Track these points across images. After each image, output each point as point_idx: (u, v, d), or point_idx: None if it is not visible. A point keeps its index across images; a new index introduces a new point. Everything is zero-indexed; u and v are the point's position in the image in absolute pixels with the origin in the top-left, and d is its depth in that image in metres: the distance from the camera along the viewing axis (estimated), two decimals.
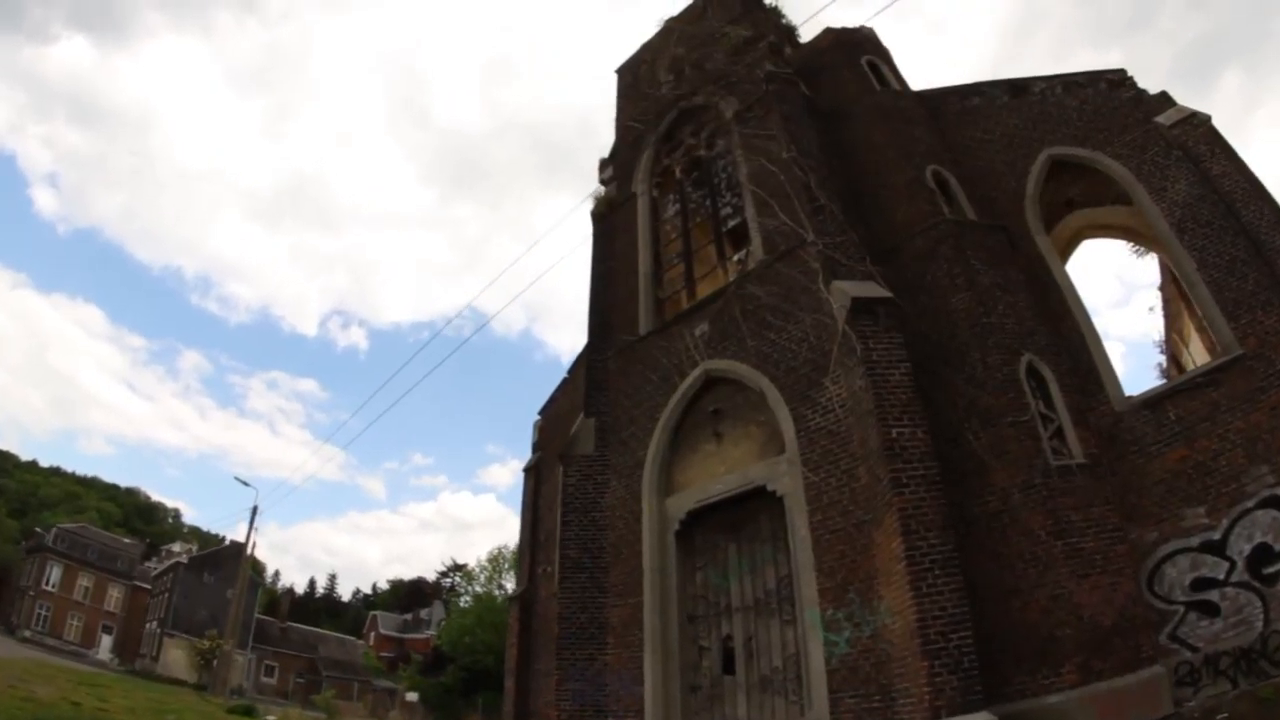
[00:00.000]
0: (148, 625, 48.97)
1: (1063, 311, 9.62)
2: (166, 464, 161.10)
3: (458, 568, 49.64)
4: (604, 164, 15.26)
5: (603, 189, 14.84)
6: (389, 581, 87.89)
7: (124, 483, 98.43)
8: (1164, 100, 10.14)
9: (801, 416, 9.00)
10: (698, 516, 10.07)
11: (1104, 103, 10.55)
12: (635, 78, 15.64)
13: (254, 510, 31.44)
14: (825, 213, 10.02)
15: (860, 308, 8.51)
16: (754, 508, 9.47)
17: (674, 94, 14.06)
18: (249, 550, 32.35)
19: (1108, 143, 10.27)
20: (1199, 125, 9.60)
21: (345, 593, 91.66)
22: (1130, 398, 8.91)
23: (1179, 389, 8.57)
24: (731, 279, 11.17)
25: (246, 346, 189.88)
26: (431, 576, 67.36)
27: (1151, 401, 8.65)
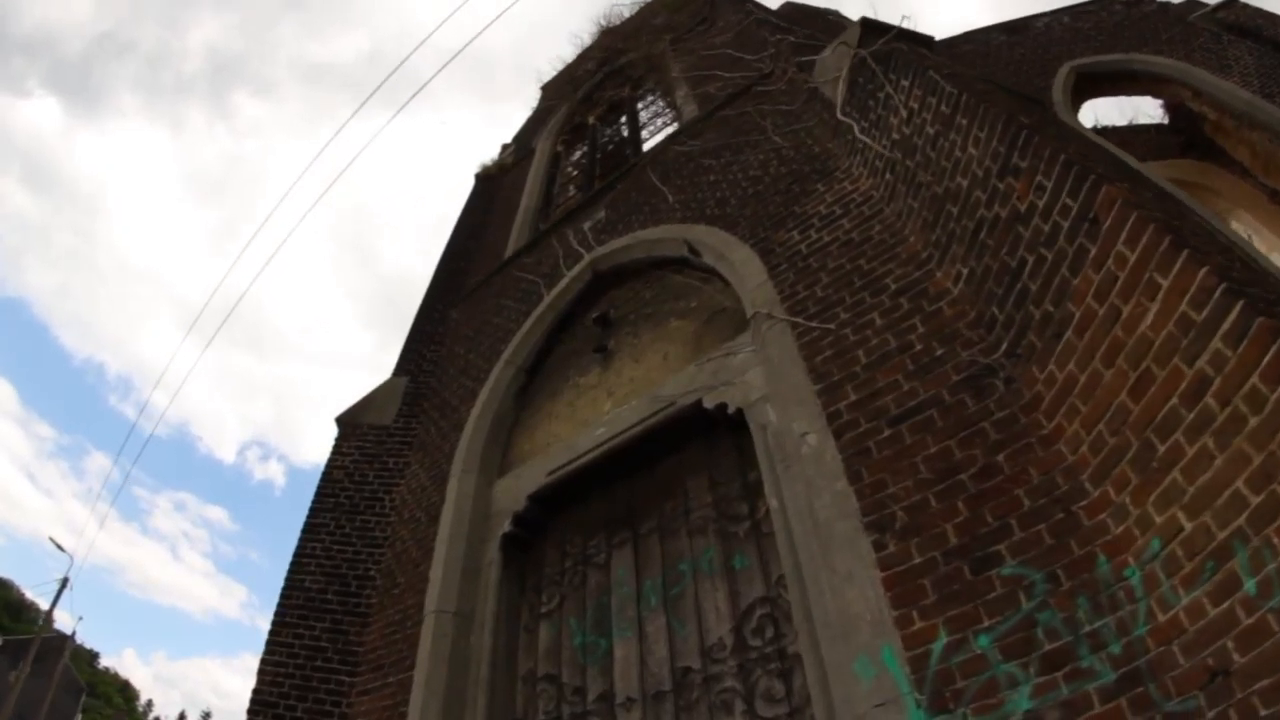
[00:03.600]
0: None
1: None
2: (56, 567, 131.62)
3: None
4: (505, 147, 11.49)
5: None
6: None
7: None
8: (1193, 4, 7.42)
9: (780, 244, 4.03)
10: (552, 505, 4.44)
11: (1122, 20, 7.76)
12: (560, 82, 12.56)
13: (63, 582, 21.97)
14: (796, 35, 6.09)
15: (875, 27, 4.18)
16: (673, 467, 4.01)
17: (599, 61, 10.81)
18: (72, 636, 25.07)
19: (1140, 47, 7.24)
20: (1245, 5, 6.93)
21: None
22: None
23: None
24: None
25: (159, 461, 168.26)
26: None
27: None
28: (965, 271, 2.92)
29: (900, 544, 2.40)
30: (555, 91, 11.69)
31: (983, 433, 2.48)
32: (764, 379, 3.59)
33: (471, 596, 4.16)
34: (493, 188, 9.70)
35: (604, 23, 12.56)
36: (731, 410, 3.66)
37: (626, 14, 11.47)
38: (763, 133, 5.15)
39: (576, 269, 5.65)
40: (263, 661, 4.54)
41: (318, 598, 4.71)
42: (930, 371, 2.77)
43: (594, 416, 4.57)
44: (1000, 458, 2.38)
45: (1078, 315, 2.26)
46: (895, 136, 3.63)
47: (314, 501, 5.31)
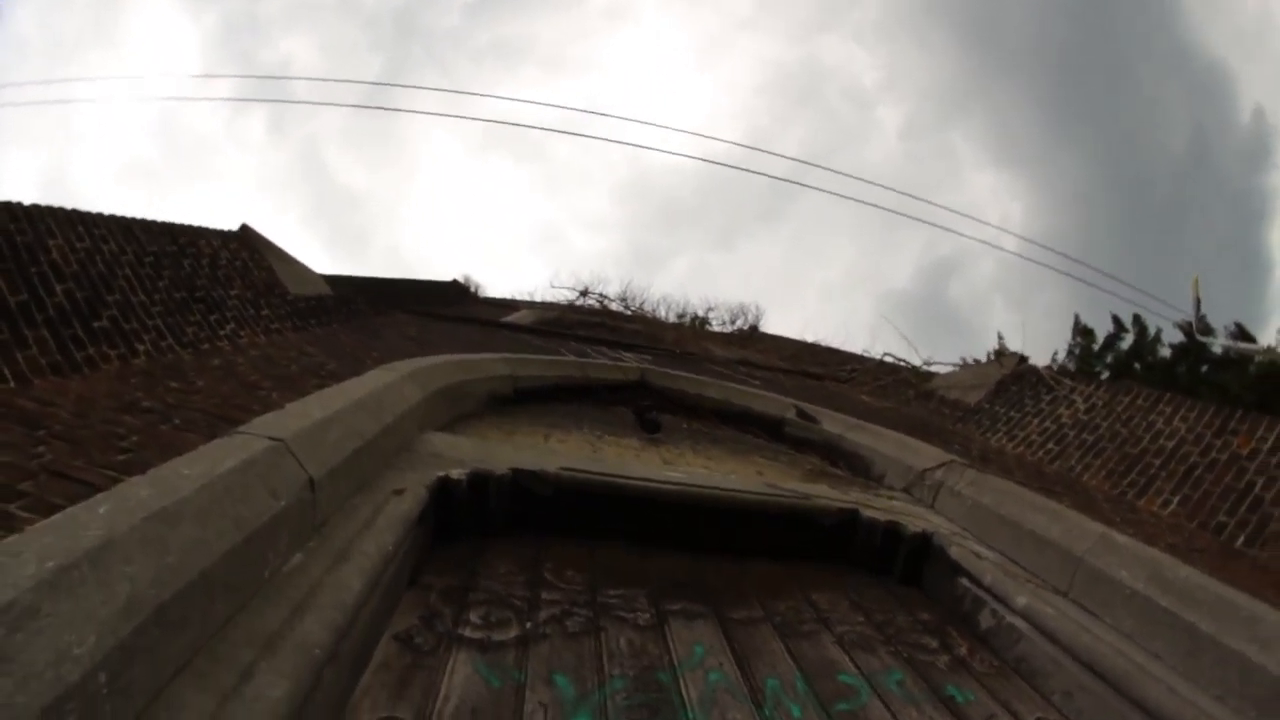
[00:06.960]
0: None
1: None
2: None
3: None
4: None
5: None
6: None
7: None
8: None
9: (945, 441, 3.33)
10: (545, 516, 2.29)
11: None
12: None
13: None
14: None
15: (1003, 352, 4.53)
16: (773, 572, 2.33)
17: None
18: None
19: None
20: None
21: None
22: None
23: None
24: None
25: None
26: None
27: None
28: (1174, 500, 3.15)
29: None
30: None
31: None
32: (955, 524, 2.53)
33: (341, 500, 1.70)
34: None
35: None
36: (910, 533, 2.39)
37: None
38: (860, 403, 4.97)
39: (623, 363, 4.46)
40: None
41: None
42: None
43: (637, 466, 2.87)
44: None
45: None
46: (1066, 420, 3.77)
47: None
